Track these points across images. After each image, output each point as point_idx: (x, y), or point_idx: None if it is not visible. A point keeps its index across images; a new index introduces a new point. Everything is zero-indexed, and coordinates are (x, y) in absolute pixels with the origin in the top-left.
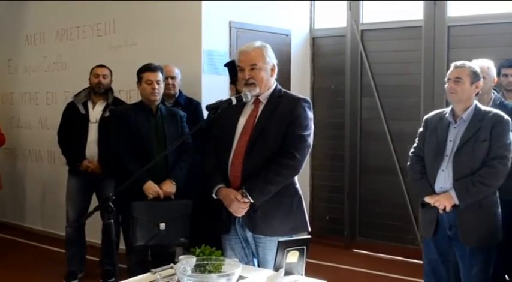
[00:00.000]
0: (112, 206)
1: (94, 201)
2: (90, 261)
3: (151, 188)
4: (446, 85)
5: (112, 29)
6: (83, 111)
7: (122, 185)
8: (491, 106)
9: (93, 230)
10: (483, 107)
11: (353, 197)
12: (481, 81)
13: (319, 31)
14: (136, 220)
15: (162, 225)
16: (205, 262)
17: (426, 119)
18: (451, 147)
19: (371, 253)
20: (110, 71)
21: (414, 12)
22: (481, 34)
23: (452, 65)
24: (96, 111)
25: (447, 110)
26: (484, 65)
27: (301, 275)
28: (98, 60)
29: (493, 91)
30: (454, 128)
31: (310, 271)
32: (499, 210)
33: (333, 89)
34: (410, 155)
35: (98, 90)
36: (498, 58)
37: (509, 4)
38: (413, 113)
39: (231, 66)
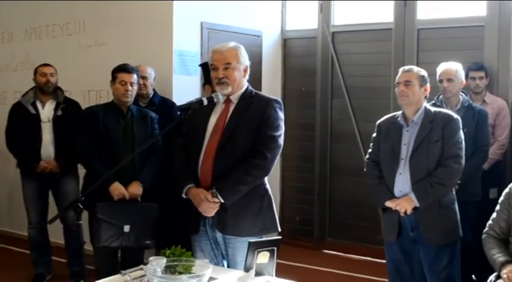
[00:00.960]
0: (81, 206)
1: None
2: (58, 263)
3: (117, 189)
4: (396, 89)
5: (82, 28)
6: (33, 111)
7: (91, 186)
8: (460, 108)
9: (54, 231)
10: (432, 108)
11: (323, 198)
12: (428, 85)
13: (290, 32)
14: (100, 221)
15: (127, 227)
16: (176, 263)
17: (379, 124)
18: (405, 150)
19: (341, 254)
20: (55, 70)
21: (385, 14)
22: (449, 37)
23: (400, 69)
24: (47, 111)
25: (398, 113)
26: (452, 68)
27: (272, 275)
28: (67, 59)
29: (462, 93)
30: (407, 131)
31: (280, 272)
32: (457, 206)
33: (303, 90)
34: (366, 160)
35: (47, 89)
36: (466, 61)
37: (477, 8)
38: (382, 115)
39: (206, 67)
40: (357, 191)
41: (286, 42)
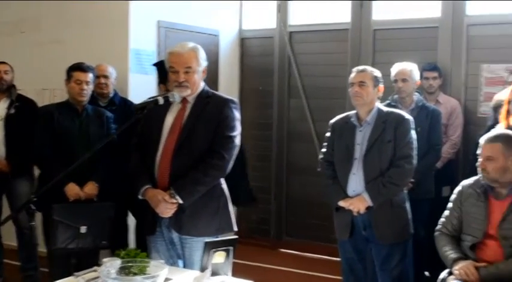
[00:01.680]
0: (34, 208)
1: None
2: (10, 266)
3: (72, 190)
4: (349, 89)
5: (37, 26)
6: None
7: (44, 187)
8: (414, 108)
9: (7, 233)
10: (385, 109)
11: (280, 197)
12: (382, 85)
13: (248, 32)
14: (56, 223)
15: (83, 228)
16: (130, 264)
17: (332, 124)
18: (359, 150)
19: (297, 252)
20: (11, 67)
21: (342, 15)
22: (404, 38)
23: (354, 69)
24: None
25: (351, 113)
26: (407, 68)
27: (228, 275)
28: (21, 57)
29: (416, 93)
30: (360, 131)
31: (237, 271)
32: (408, 205)
33: (261, 90)
34: (320, 160)
35: (1, 87)
36: (421, 61)
37: (432, 9)
38: (339, 114)
39: (160, 66)
40: (313, 191)
41: (243, 42)
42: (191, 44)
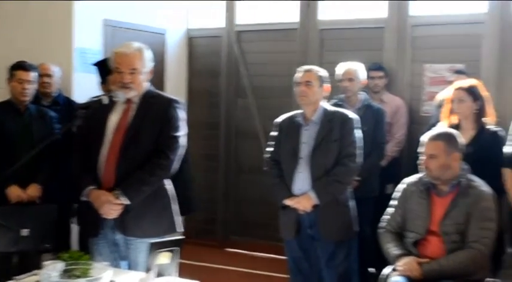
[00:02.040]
0: None
1: None
2: None
3: (13, 192)
4: (295, 88)
5: None
6: None
7: None
8: (360, 107)
9: None
10: (330, 108)
11: (227, 196)
12: (328, 85)
13: (195, 31)
14: None
15: (25, 231)
16: (73, 267)
17: (278, 123)
18: (305, 149)
19: (245, 252)
20: None
21: (290, 14)
22: (351, 38)
23: (300, 69)
24: None
25: (297, 112)
26: (353, 68)
27: (174, 276)
28: None
29: (362, 93)
30: (306, 130)
31: (183, 272)
32: (352, 203)
33: (208, 90)
34: (266, 159)
35: None
36: (367, 61)
37: (378, 9)
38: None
39: (101, 66)
40: (261, 190)
41: (191, 41)
42: (137, 45)
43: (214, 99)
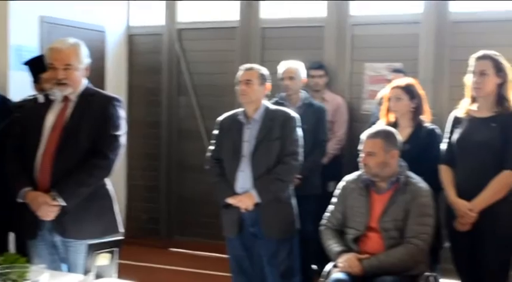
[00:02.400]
0: None
1: None
2: None
3: None
4: (237, 87)
5: None
6: None
7: None
8: (300, 105)
9: None
10: (272, 106)
11: (169, 196)
12: (269, 83)
13: (136, 29)
14: None
15: None
16: (9, 270)
17: (220, 122)
18: (247, 147)
19: (188, 251)
20: None
21: (231, 13)
22: (292, 36)
23: (241, 68)
24: None
25: (239, 111)
26: (293, 66)
27: (113, 277)
28: None
29: (302, 91)
30: (248, 128)
31: (125, 273)
32: (294, 201)
33: (150, 88)
34: (208, 158)
35: None
36: (308, 60)
37: (318, 9)
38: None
39: (33, 64)
40: (203, 188)
41: (131, 39)
42: (72, 40)
43: (155, 98)
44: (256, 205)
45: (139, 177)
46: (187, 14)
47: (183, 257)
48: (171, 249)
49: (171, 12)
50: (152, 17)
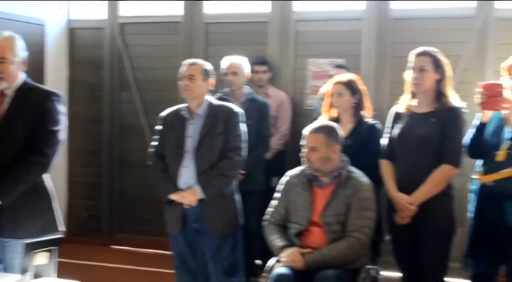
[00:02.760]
0: None
1: None
2: None
3: None
4: (180, 82)
5: None
6: None
7: None
8: (244, 101)
9: None
10: (215, 102)
11: (111, 192)
12: (213, 79)
13: (77, 22)
14: None
15: None
16: None
17: (163, 117)
18: (190, 143)
19: (131, 248)
20: None
21: (175, 7)
22: (235, 32)
23: (185, 63)
24: None
25: (182, 106)
26: (237, 62)
27: (52, 276)
28: None
29: (246, 86)
30: (191, 124)
31: (66, 271)
32: (237, 196)
33: (91, 82)
34: (151, 154)
35: None
36: (251, 55)
37: (262, 4)
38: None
39: None
40: (146, 185)
41: (72, 32)
42: (6, 33)
43: (97, 93)
44: (200, 201)
45: (80, 173)
46: (130, 8)
47: (125, 254)
48: (113, 246)
49: (113, 6)
50: (94, 10)
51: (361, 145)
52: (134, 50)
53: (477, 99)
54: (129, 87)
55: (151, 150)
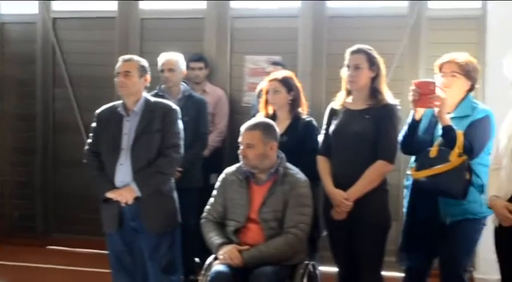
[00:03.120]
0: None
1: None
2: None
3: None
4: (116, 79)
5: None
6: None
7: None
8: (181, 98)
9: None
10: (152, 99)
11: (45, 192)
12: (149, 75)
13: (7, 17)
14: None
15: None
16: None
17: (98, 114)
18: (126, 140)
19: (67, 248)
20: None
21: (109, 2)
22: (172, 28)
23: (120, 59)
24: None
25: (118, 103)
26: (173, 58)
27: None
28: None
29: (183, 83)
30: (127, 121)
31: None
32: (175, 194)
33: (23, 79)
34: (86, 151)
35: None
36: (188, 52)
37: (198, 1)
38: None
39: None
40: (82, 184)
41: (2, 27)
42: None
43: (28, 89)
44: (137, 199)
45: (12, 173)
46: (63, 3)
47: (61, 254)
48: (49, 247)
49: (45, 1)
50: (25, 4)
51: (298, 142)
52: (68, 46)
53: (410, 96)
54: (63, 84)
55: (86, 148)
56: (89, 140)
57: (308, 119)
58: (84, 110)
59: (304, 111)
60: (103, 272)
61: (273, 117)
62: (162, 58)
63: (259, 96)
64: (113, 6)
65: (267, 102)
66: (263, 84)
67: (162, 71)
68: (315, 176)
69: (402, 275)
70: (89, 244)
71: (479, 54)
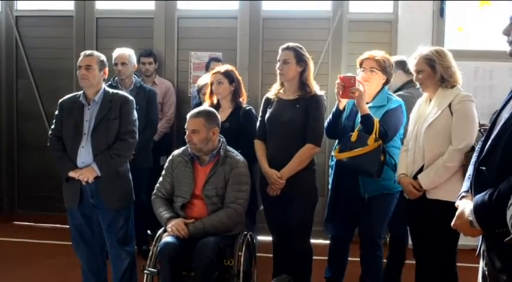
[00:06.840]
0: None
1: None
2: None
3: None
4: (78, 72)
5: None
6: None
7: None
8: (133, 88)
9: None
10: (110, 90)
11: (11, 172)
12: (107, 68)
13: None
14: None
15: None
16: None
17: (61, 103)
18: (87, 126)
19: (32, 224)
20: None
21: (67, 2)
22: (125, 26)
23: (82, 54)
24: None
25: (80, 93)
26: (126, 53)
27: None
28: None
29: (134, 76)
30: (88, 109)
31: None
32: (130, 175)
33: None
34: (50, 136)
35: None
36: (139, 48)
37: (148, 2)
38: (66, 94)
39: None
40: (44, 165)
41: None
42: None
43: None
44: (96, 178)
45: None
46: (25, 3)
47: (25, 229)
48: (15, 222)
49: (8, 0)
50: None
51: (238, 128)
52: (30, 41)
53: (336, 89)
54: (25, 76)
55: (50, 133)
56: (53, 126)
57: (248, 108)
58: (45, 99)
59: (244, 100)
60: (65, 244)
61: (217, 106)
62: (116, 53)
63: (199, 89)
64: (71, 6)
65: (211, 93)
66: (203, 79)
67: (116, 64)
68: (253, 157)
69: (328, 242)
70: (51, 219)
71: (391, 52)
